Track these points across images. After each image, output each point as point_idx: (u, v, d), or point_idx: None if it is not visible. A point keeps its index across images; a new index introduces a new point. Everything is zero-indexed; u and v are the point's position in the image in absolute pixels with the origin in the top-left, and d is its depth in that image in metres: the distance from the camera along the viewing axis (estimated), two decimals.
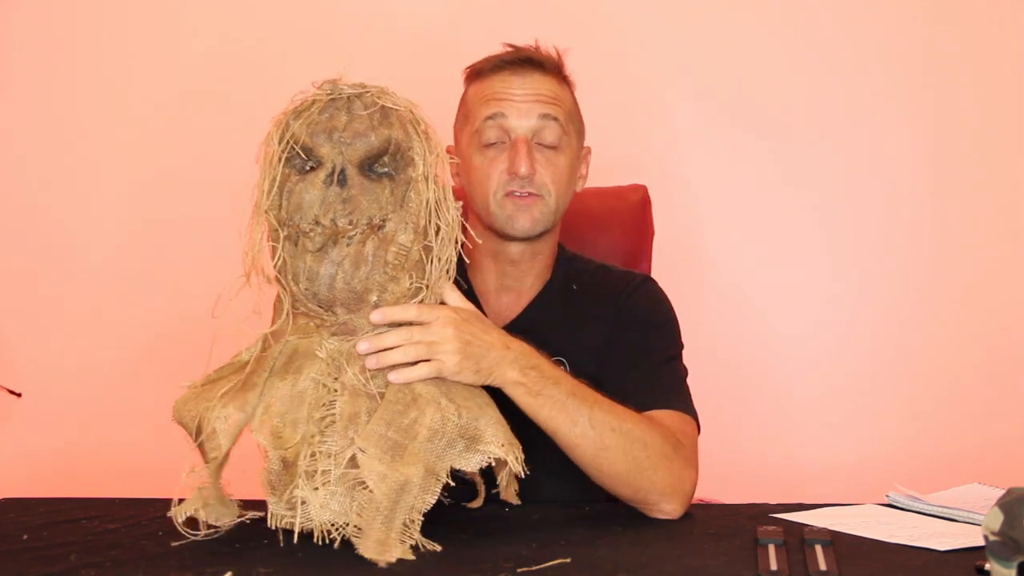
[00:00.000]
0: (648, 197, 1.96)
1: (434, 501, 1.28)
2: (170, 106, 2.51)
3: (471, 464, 1.31)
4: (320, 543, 1.26)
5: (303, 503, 1.25)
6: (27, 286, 2.51)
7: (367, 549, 1.23)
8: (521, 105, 1.58)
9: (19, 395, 2.34)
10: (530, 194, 1.58)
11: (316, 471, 1.26)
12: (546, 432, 1.41)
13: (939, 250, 2.46)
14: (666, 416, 1.50)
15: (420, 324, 1.33)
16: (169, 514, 1.32)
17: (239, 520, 1.36)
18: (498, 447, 1.31)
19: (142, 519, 1.45)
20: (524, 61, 1.61)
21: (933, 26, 2.46)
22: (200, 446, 1.34)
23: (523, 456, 1.34)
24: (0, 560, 1.28)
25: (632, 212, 1.94)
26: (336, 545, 1.26)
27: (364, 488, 1.25)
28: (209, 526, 1.33)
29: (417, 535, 1.26)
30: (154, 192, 2.50)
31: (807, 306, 2.49)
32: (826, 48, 2.47)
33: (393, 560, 1.22)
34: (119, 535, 1.38)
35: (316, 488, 1.25)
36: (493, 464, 1.36)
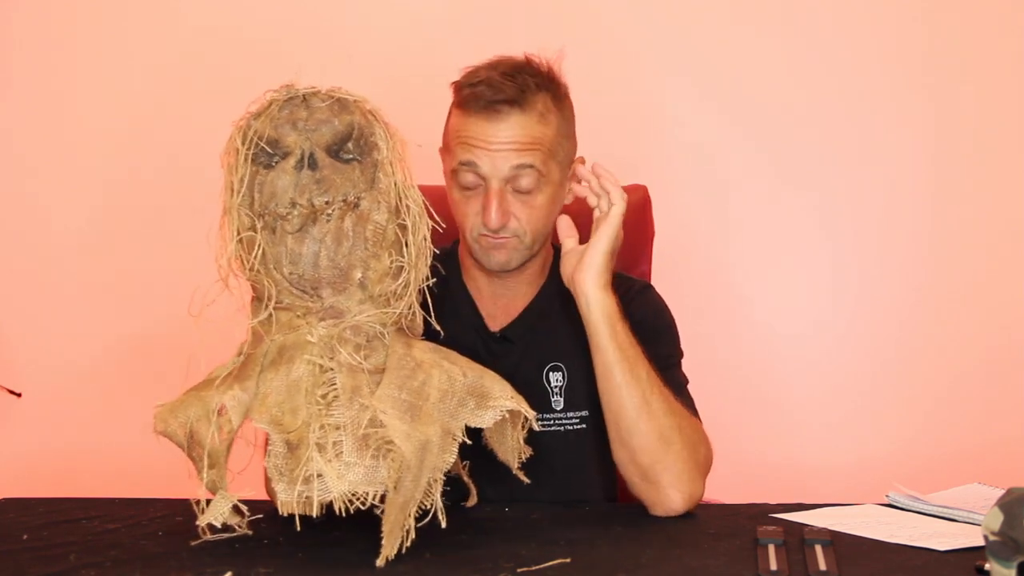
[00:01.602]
0: (648, 197, 1.96)
1: (453, 460, 1.29)
2: (168, 106, 2.51)
3: (485, 420, 1.32)
4: (341, 514, 1.24)
5: (319, 476, 1.24)
6: (27, 286, 2.51)
7: (391, 513, 1.22)
8: (496, 155, 1.53)
9: (19, 395, 2.34)
10: (504, 238, 1.57)
11: (328, 443, 1.26)
12: (603, 365, 1.47)
13: (939, 250, 2.46)
14: (688, 414, 1.52)
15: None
16: (199, 523, 1.31)
17: (251, 519, 1.35)
18: (508, 399, 1.34)
19: (142, 519, 1.45)
20: (502, 102, 1.53)
21: (933, 26, 2.46)
22: (192, 453, 1.33)
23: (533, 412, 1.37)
24: (0, 560, 1.28)
25: (632, 212, 1.92)
26: (354, 511, 1.25)
27: (391, 447, 1.25)
28: (225, 526, 1.33)
29: (437, 497, 1.26)
30: (155, 191, 2.50)
31: (807, 306, 2.49)
32: (826, 48, 2.47)
33: (402, 535, 1.22)
34: (119, 535, 1.38)
35: (330, 460, 1.25)
36: (490, 444, 1.38)
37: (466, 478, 1.45)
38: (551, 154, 1.57)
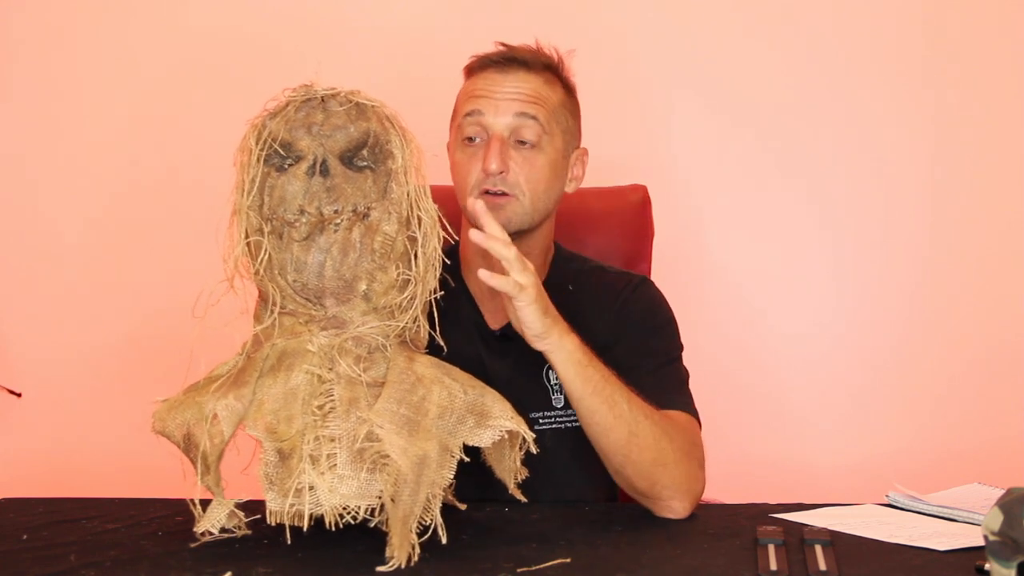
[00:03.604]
0: (648, 197, 1.96)
1: (451, 476, 1.28)
2: (169, 105, 2.51)
3: (483, 439, 1.31)
4: (332, 528, 1.24)
5: (311, 489, 1.24)
6: (27, 286, 2.51)
7: (396, 527, 1.22)
8: (500, 103, 1.58)
9: (19, 395, 2.34)
10: (503, 193, 1.57)
11: (321, 455, 1.25)
12: (583, 412, 1.43)
13: (939, 250, 2.46)
14: (673, 416, 1.51)
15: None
16: (196, 530, 1.31)
17: (251, 519, 1.35)
18: (508, 420, 1.33)
19: (142, 519, 1.45)
20: (509, 60, 1.61)
21: (933, 27, 2.46)
22: (189, 455, 1.33)
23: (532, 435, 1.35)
24: (0, 560, 1.28)
25: (632, 212, 1.94)
26: (344, 525, 1.24)
27: (387, 461, 1.24)
28: (223, 529, 1.33)
29: (437, 513, 1.25)
30: (155, 191, 2.50)
31: (807, 306, 2.48)
32: (826, 48, 2.47)
33: (409, 550, 1.22)
34: (119, 535, 1.38)
35: (323, 473, 1.24)
36: (488, 461, 1.36)
37: (451, 497, 1.43)
38: (554, 117, 1.61)
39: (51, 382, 2.47)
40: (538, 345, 1.41)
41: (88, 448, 2.45)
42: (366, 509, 1.25)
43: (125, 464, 2.25)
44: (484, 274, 1.37)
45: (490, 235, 1.38)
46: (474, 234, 1.39)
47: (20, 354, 2.48)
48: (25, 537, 1.38)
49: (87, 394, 2.48)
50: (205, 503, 1.34)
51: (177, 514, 1.44)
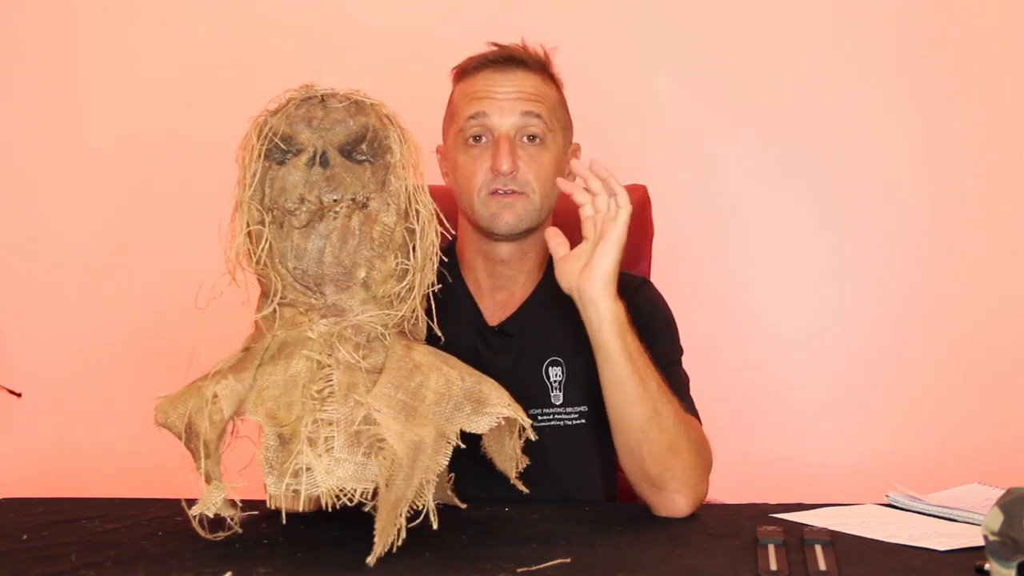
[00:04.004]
0: (648, 197, 1.96)
1: (446, 463, 1.28)
2: (169, 105, 2.51)
3: (480, 426, 1.32)
4: (328, 509, 1.25)
5: (308, 470, 1.24)
6: (27, 286, 2.51)
7: (384, 510, 1.22)
8: (504, 103, 1.59)
9: (19, 395, 2.34)
10: (514, 192, 1.58)
11: (319, 438, 1.26)
12: (614, 378, 1.43)
13: (939, 250, 2.46)
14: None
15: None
16: (192, 513, 1.31)
17: (249, 514, 1.35)
18: (505, 407, 1.33)
19: (142, 519, 1.45)
20: (507, 59, 1.61)
21: (933, 24, 2.46)
22: (190, 445, 1.33)
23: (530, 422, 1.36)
24: (0, 560, 1.28)
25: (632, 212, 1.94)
26: (339, 506, 1.24)
27: (383, 445, 1.25)
28: (218, 517, 1.32)
29: (429, 498, 1.26)
30: (152, 189, 2.50)
31: (807, 306, 2.49)
32: (826, 47, 2.47)
33: (394, 535, 1.22)
34: (119, 535, 1.39)
35: (320, 455, 1.25)
36: (488, 453, 1.37)
37: (449, 492, 1.44)
38: (554, 114, 1.62)
39: (51, 382, 2.47)
40: (599, 290, 1.42)
41: (88, 448, 2.45)
42: (362, 492, 1.25)
43: (125, 464, 2.25)
44: (599, 165, 1.43)
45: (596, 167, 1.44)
46: (576, 166, 1.47)
47: (20, 354, 2.48)
48: (25, 537, 1.38)
49: (87, 394, 2.48)
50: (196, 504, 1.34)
51: (177, 514, 1.43)
